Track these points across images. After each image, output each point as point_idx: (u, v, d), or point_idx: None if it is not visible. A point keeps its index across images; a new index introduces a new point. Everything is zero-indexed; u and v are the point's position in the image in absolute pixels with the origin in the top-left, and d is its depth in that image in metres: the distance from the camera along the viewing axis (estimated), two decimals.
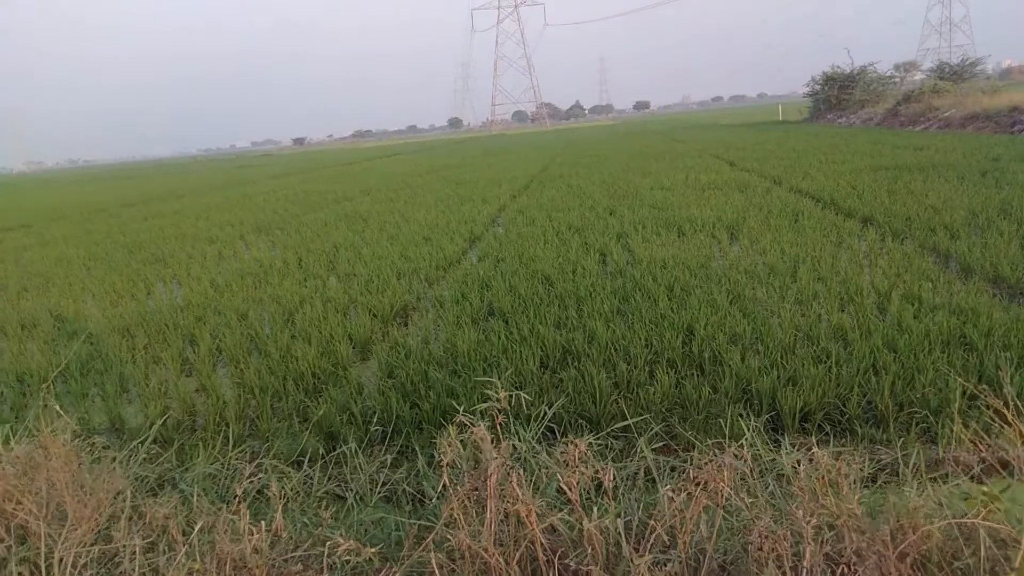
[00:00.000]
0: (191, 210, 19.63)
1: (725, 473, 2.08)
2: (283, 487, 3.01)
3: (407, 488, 3.38)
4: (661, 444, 3.73)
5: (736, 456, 2.32)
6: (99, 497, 2.39)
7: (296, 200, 19.67)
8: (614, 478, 2.47)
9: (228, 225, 14.89)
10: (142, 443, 3.84)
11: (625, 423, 3.64)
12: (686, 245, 8.28)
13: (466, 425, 2.66)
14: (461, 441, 2.70)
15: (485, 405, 2.66)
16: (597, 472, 2.42)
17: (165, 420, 4.30)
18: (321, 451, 3.88)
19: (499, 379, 4.45)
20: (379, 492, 3.35)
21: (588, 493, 2.70)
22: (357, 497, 3.31)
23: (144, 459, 3.65)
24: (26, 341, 6.78)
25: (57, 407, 2.96)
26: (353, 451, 3.58)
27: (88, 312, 7.82)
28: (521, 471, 2.32)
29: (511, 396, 2.62)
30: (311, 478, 3.54)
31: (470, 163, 30.41)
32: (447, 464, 2.45)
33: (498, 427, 2.54)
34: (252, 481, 3.07)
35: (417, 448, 3.70)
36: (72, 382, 5.38)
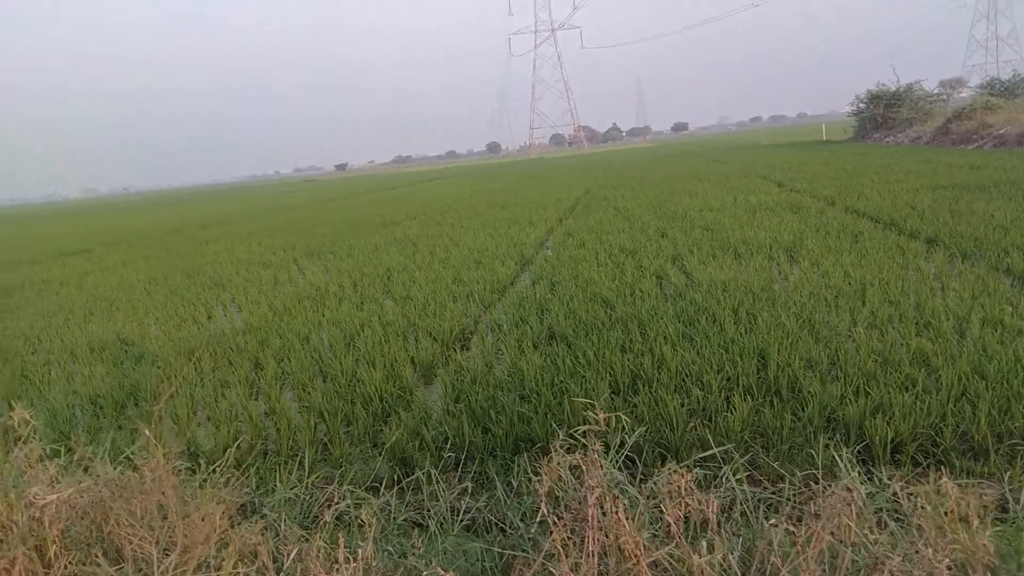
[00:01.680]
0: (242, 235, 20.07)
1: (852, 508, 1.98)
2: (366, 514, 2.98)
3: (488, 516, 3.33)
4: (744, 474, 3.62)
5: (848, 489, 2.21)
6: (212, 522, 2.38)
7: (344, 225, 19.96)
8: (716, 511, 2.38)
9: (280, 250, 15.16)
10: (219, 467, 3.86)
11: (708, 452, 3.53)
12: (745, 267, 8.13)
13: (560, 451, 2.61)
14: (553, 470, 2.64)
15: (583, 428, 2.59)
16: (701, 504, 2.33)
17: (238, 444, 4.32)
18: (396, 477, 3.85)
19: (568, 405, 4.41)
20: (460, 520, 3.30)
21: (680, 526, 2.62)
22: (439, 525, 3.26)
23: (222, 483, 3.66)
24: (95, 364, 6.94)
25: (147, 430, 2.99)
26: (433, 478, 3.54)
27: (153, 335, 7.98)
28: (626, 501, 2.25)
29: (609, 418, 2.55)
30: (389, 504, 3.51)
31: (512, 187, 30.55)
32: (544, 493, 2.39)
33: (596, 453, 2.47)
34: (333, 507, 3.05)
35: (495, 475, 3.64)
36: (144, 404, 5.47)
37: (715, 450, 3.50)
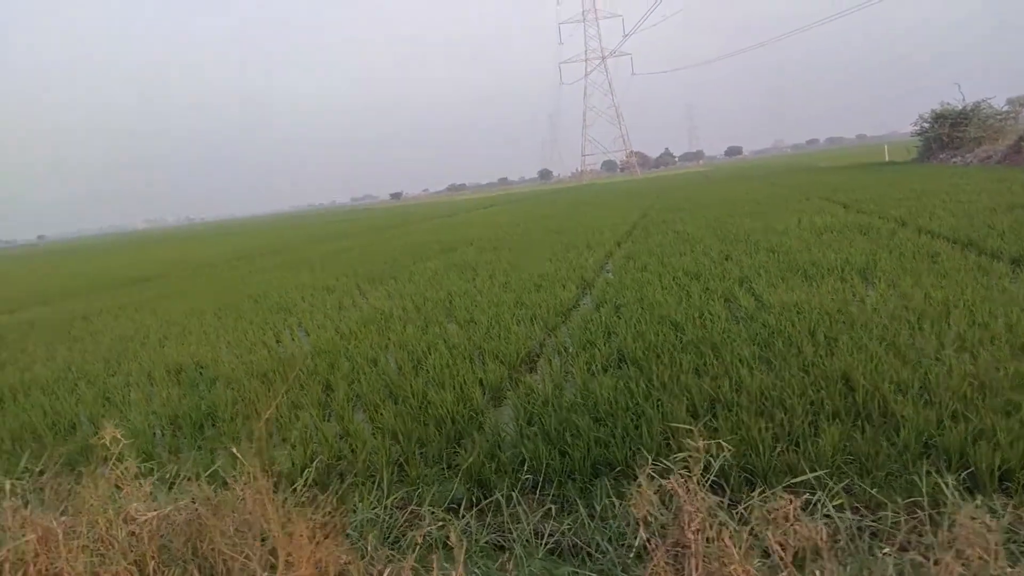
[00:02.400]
0: (304, 262, 20.54)
1: (991, 538, 1.85)
2: (454, 536, 2.94)
3: (573, 540, 3.25)
4: (838, 502, 3.45)
5: (973, 517, 2.07)
6: (303, 541, 2.38)
7: (402, 251, 20.24)
8: (825, 539, 2.26)
9: (343, 275, 15.44)
10: (300, 487, 3.89)
11: (802, 478, 3.38)
12: (817, 290, 7.88)
13: (652, 476, 2.53)
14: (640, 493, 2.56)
15: (682, 455, 2.51)
16: (809, 532, 2.22)
17: (315, 464, 4.35)
18: (474, 499, 3.81)
19: (647, 429, 4.31)
20: (544, 544, 3.23)
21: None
22: (523, 548, 3.20)
23: (303, 503, 3.68)
24: (172, 386, 7.13)
25: (235, 450, 3.03)
26: (513, 500, 3.49)
27: (225, 359, 8.17)
28: (732, 528, 2.16)
29: (712, 444, 2.47)
30: (470, 527, 3.47)
31: (566, 212, 30.57)
32: (642, 518, 2.31)
33: (695, 478, 2.38)
34: (423, 529, 3.02)
35: (578, 499, 3.57)
36: (221, 425, 5.58)
37: (809, 475, 3.35)
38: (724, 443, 2.67)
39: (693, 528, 2.18)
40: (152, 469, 3.80)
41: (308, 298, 12.47)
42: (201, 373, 7.61)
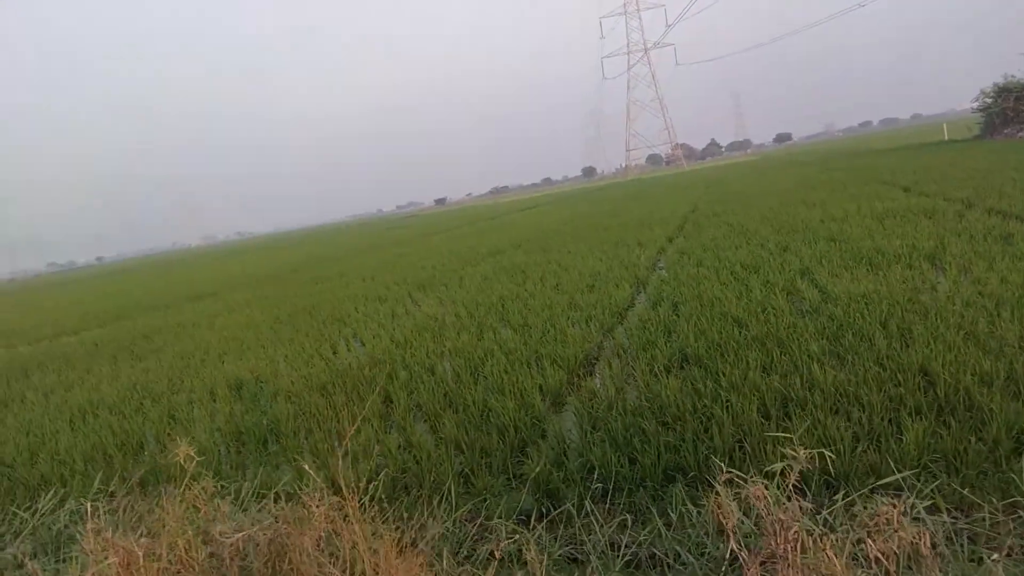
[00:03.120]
0: (354, 272, 20.79)
1: None
2: (534, 552, 2.87)
3: (650, 551, 3.14)
4: (928, 503, 3.27)
5: None
6: (381, 556, 2.35)
7: (450, 257, 20.31)
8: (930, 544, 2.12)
9: (393, 284, 15.56)
10: (368, 501, 3.88)
11: (890, 479, 3.21)
12: (884, 278, 7.57)
13: (734, 482, 2.42)
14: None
15: (780, 465, 2.38)
16: (913, 537, 2.08)
17: (382, 477, 4.33)
18: (543, 509, 3.74)
19: (718, 431, 4.17)
20: (621, 556, 3.13)
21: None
22: (599, 561, 3.11)
23: (385, 519, 3.66)
24: (235, 402, 7.24)
25: (306, 466, 3.02)
26: (587, 510, 3.40)
27: (284, 372, 8.27)
28: (832, 536, 2.03)
29: (813, 454, 2.34)
30: (542, 539, 3.39)
31: (613, 209, 30.26)
32: (732, 528, 2.20)
33: (791, 488, 2.26)
34: (481, 540, 2.96)
35: (651, 507, 3.46)
36: (285, 439, 5.63)
37: (896, 476, 3.18)
38: (813, 451, 2.53)
39: (787, 538, 2.06)
40: (225, 487, 3.84)
41: (361, 308, 12.59)
42: (261, 388, 7.72)
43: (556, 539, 3.43)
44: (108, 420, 7.13)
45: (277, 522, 2.55)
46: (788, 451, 2.31)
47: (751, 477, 3.00)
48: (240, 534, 2.36)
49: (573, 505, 3.59)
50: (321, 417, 6.04)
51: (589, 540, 3.27)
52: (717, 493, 3.00)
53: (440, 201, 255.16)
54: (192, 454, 3.02)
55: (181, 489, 2.76)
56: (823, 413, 4.14)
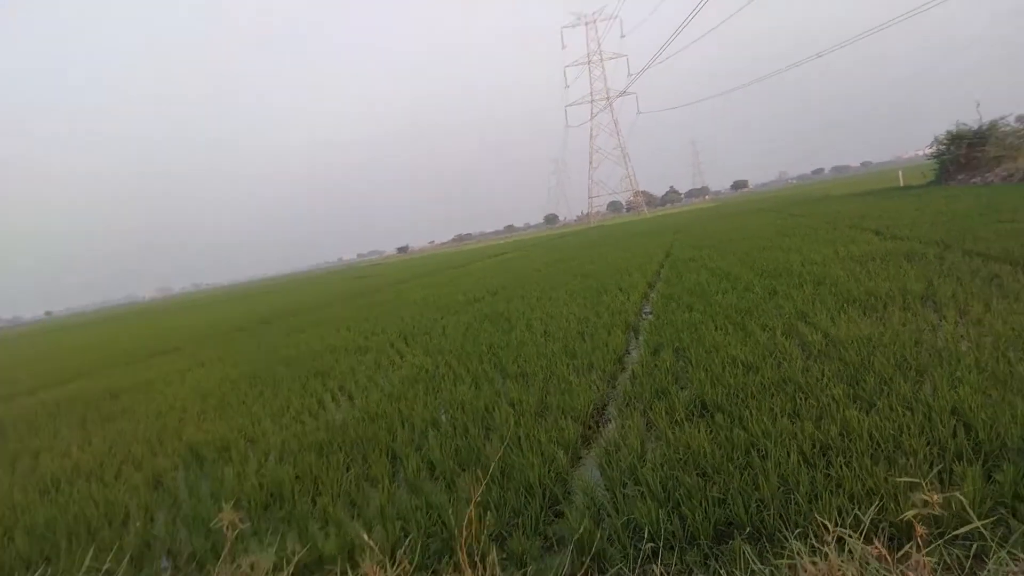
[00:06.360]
0: (328, 322, 20.32)
1: None
2: None
3: None
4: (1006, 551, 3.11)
5: None
6: None
7: (426, 305, 20.01)
8: None
9: (372, 334, 15.20)
10: (397, 571, 3.57)
11: (965, 528, 3.05)
12: (885, 321, 7.57)
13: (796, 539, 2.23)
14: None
15: (912, 512, 2.20)
16: None
17: (408, 543, 4.03)
18: (589, 573, 3.49)
19: (763, 482, 3.98)
20: None
21: None
22: None
23: None
24: (224, 465, 6.81)
25: (367, 539, 2.75)
26: (639, 573, 3.16)
27: (271, 430, 7.87)
28: None
29: (944, 497, 2.16)
30: None
31: (584, 255, 30.34)
32: None
33: (919, 540, 2.08)
34: None
35: (712, 568, 3.24)
36: (290, 504, 5.28)
37: (977, 524, 3.02)
38: (944, 495, 2.36)
39: None
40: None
41: (343, 360, 12.22)
42: (251, 448, 7.32)
43: None
44: (87, 489, 6.64)
45: None
46: (921, 496, 2.13)
47: (836, 530, 2.82)
48: None
49: (626, 566, 3.35)
50: (325, 479, 5.69)
51: None
52: (796, 553, 2.81)
53: (402, 249, 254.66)
54: (236, 520, 2.75)
55: (233, 564, 2.47)
56: (870, 460, 3.99)
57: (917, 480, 2.29)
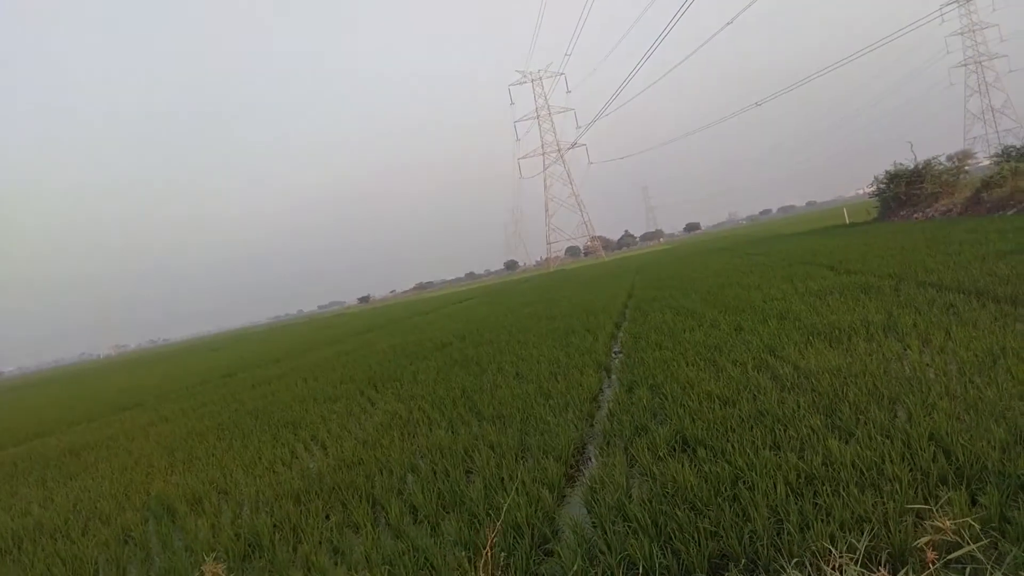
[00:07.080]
0: (294, 373, 19.96)
1: None
2: None
3: None
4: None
5: None
6: None
7: (393, 353, 19.83)
8: None
9: (340, 383, 14.97)
10: None
11: (960, 552, 3.11)
12: (851, 352, 7.77)
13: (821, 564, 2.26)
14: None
15: (926, 539, 2.25)
16: None
17: None
18: None
19: (755, 513, 4.02)
20: None
21: None
22: None
23: None
24: (198, 517, 6.60)
25: None
26: None
27: (245, 482, 7.66)
28: None
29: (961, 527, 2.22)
30: None
31: (549, 299, 30.50)
32: None
33: (931, 564, 2.12)
34: None
35: None
36: (270, 553, 5.11)
37: (971, 547, 3.08)
38: (958, 521, 2.42)
39: None
40: None
41: (313, 409, 11.99)
42: (226, 500, 7.09)
43: None
44: (51, 546, 6.35)
45: None
46: (932, 523, 2.18)
47: (838, 556, 2.85)
48: None
49: None
50: (304, 526, 5.54)
51: None
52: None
53: (364, 299, 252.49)
54: (221, 572, 2.67)
55: None
56: (857, 488, 4.06)
57: (928, 507, 2.35)
